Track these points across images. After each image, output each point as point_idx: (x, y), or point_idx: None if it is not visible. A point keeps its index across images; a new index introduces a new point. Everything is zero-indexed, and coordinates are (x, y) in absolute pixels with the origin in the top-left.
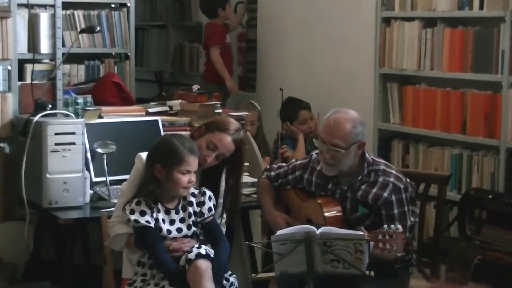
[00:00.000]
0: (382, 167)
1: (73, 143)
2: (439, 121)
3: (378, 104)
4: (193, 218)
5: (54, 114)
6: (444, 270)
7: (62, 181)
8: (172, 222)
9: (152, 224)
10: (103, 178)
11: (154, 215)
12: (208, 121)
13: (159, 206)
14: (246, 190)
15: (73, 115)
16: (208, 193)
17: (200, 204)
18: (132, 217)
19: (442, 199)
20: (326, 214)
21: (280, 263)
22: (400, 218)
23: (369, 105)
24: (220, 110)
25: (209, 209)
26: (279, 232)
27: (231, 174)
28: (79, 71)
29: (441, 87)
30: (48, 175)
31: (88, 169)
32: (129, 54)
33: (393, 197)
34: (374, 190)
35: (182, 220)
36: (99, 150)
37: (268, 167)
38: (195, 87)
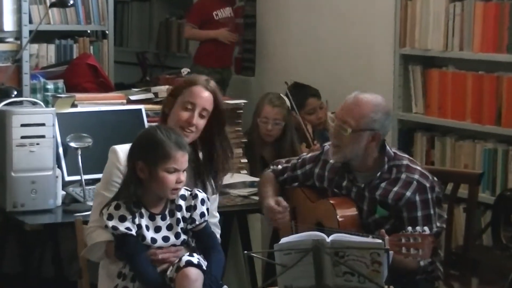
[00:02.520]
0: (405, 162)
1: (42, 136)
2: (470, 110)
3: (398, 91)
4: (182, 224)
5: (20, 102)
6: (475, 284)
7: (30, 180)
8: (157, 229)
9: (133, 232)
10: (77, 177)
11: (136, 220)
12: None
13: (143, 210)
14: (244, 191)
15: (42, 103)
16: (201, 195)
17: (191, 208)
18: (110, 223)
19: (473, 202)
20: (339, 216)
21: (284, 276)
22: (424, 221)
23: (387, 92)
24: None
25: (202, 215)
26: (283, 240)
27: (217, 134)
28: (48, 52)
29: (472, 71)
30: (13, 174)
31: (59, 167)
32: (107, 32)
33: (417, 197)
34: (395, 189)
35: (169, 227)
36: (72, 144)
37: (276, 161)
38: (185, 71)
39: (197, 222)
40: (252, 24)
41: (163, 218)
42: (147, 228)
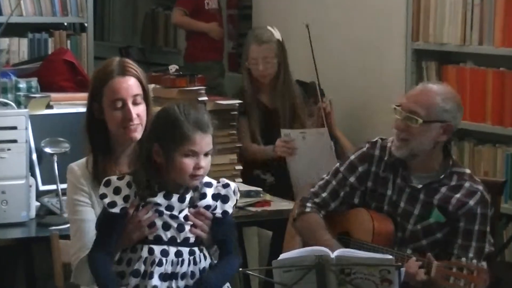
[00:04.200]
0: (468, 171)
1: (14, 141)
2: (490, 111)
3: (410, 89)
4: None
5: None
6: None
7: (0, 190)
8: (169, 208)
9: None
10: (53, 186)
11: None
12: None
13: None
14: (239, 201)
15: (13, 104)
16: (233, 186)
17: (219, 198)
18: (107, 200)
19: (495, 213)
20: (376, 228)
21: None
22: (478, 238)
23: (399, 90)
24: (205, 98)
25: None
26: (282, 256)
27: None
28: (21, 47)
29: (493, 67)
30: None
31: (33, 175)
32: (85, 24)
33: (479, 210)
34: (458, 195)
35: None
36: (47, 150)
37: (303, 197)
38: (173, 68)
39: (218, 215)
40: (248, 16)
41: (180, 200)
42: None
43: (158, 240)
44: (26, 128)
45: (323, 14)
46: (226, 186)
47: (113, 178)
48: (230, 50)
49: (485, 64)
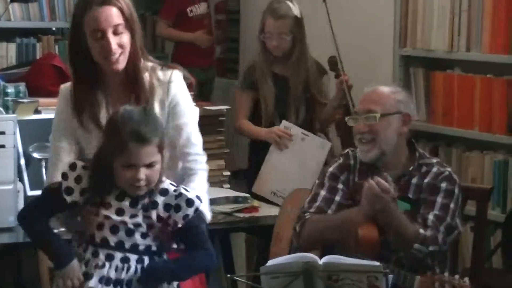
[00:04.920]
0: (435, 160)
1: (2, 146)
2: (478, 117)
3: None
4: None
5: None
6: None
7: None
8: (119, 212)
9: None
10: (41, 191)
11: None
12: None
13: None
14: (227, 207)
15: (1, 109)
16: (188, 196)
17: (171, 208)
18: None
19: (482, 220)
20: (361, 234)
21: None
22: (441, 208)
23: None
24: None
25: (185, 217)
26: (270, 262)
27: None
28: (8, 52)
29: (481, 74)
30: None
31: (21, 180)
32: None
33: (443, 184)
34: (427, 180)
35: (132, 216)
36: (35, 155)
37: (297, 216)
38: None
39: (179, 225)
40: (236, 21)
41: (132, 204)
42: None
43: (105, 243)
44: (14, 133)
45: (311, 20)
46: (178, 196)
47: (79, 164)
48: (218, 56)
49: (473, 71)
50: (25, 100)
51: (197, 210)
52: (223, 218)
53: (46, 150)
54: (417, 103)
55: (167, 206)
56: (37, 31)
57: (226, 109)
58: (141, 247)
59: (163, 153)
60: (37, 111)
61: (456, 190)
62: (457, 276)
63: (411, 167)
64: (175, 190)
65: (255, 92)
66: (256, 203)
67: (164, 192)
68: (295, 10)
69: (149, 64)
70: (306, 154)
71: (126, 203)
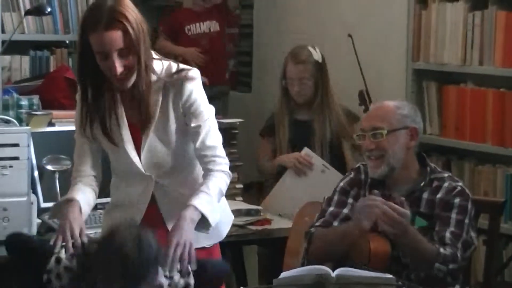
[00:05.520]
0: (446, 175)
1: (16, 158)
2: (491, 131)
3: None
4: None
5: None
6: None
7: (1, 207)
8: None
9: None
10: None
11: None
12: None
13: None
14: (240, 220)
15: (15, 121)
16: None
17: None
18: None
19: (494, 233)
20: (372, 247)
21: None
22: (456, 225)
23: None
24: None
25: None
26: (283, 275)
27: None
28: (22, 64)
29: (493, 87)
30: None
31: (35, 192)
32: None
33: (456, 200)
34: (439, 196)
35: None
36: (49, 167)
37: (305, 232)
38: None
39: None
40: (249, 35)
41: None
42: None
43: None
44: (28, 145)
45: (323, 34)
46: (184, 275)
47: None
48: (231, 69)
49: (486, 85)
50: (38, 113)
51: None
52: (235, 230)
53: (59, 162)
54: (430, 117)
55: None
56: (51, 44)
57: (239, 122)
58: None
59: None
60: (50, 124)
61: (469, 205)
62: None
63: (422, 183)
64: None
65: (274, 137)
66: (268, 215)
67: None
68: (316, 55)
69: (165, 63)
70: (323, 186)
71: None
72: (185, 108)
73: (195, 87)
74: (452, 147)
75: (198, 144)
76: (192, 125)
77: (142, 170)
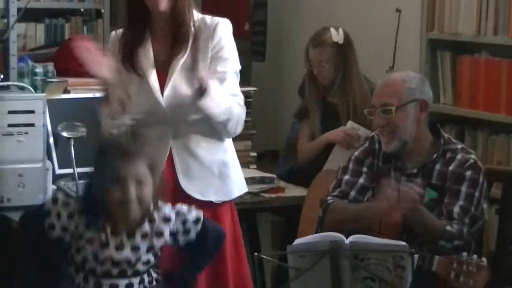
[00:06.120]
0: (460, 146)
1: (32, 125)
2: (505, 101)
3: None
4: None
5: (7, 87)
6: None
7: (17, 173)
8: (119, 247)
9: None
10: (69, 170)
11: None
12: None
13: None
14: (254, 188)
15: (31, 88)
16: (193, 215)
17: (178, 234)
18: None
19: (507, 202)
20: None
21: (297, 281)
22: (465, 199)
23: None
24: None
25: (197, 234)
26: (297, 241)
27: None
28: (37, 32)
29: (508, 58)
30: None
31: (50, 158)
32: (102, 11)
33: (468, 173)
34: (451, 168)
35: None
36: (64, 134)
37: (320, 200)
38: None
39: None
40: (263, 3)
41: (130, 235)
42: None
43: (107, 274)
44: (44, 112)
45: (338, 2)
46: (184, 222)
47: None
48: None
49: (500, 55)
50: (54, 80)
51: (203, 222)
52: (249, 198)
53: (75, 129)
54: (444, 87)
55: (172, 233)
56: (66, 11)
57: (253, 90)
58: (142, 268)
59: (155, 177)
60: (66, 91)
61: (481, 178)
62: (475, 256)
63: (435, 154)
64: (177, 214)
65: (309, 119)
66: (282, 183)
67: (167, 219)
68: (337, 37)
69: (200, 14)
70: None
71: (123, 237)
72: (214, 52)
73: (226, 34)
74: (466, 117)
75: None
76: (218, 69)
77: (163, 104)
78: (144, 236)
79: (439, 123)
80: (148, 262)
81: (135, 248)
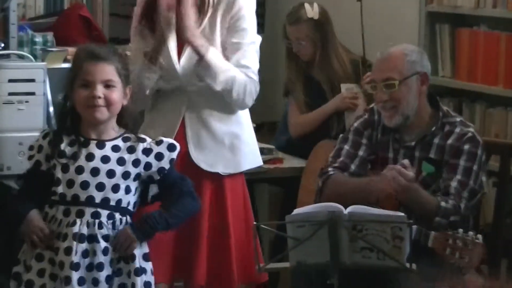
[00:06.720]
0: (459, 119)
1: (32, 93)
2: (503, 74)
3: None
4: (140, 170)
5: (7, 56)
6: (505, 265)
7: (17, 141)
8: (90, 157)
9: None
10: None
11: (64, 147)
12: None
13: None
14: None
15: (31, 56)
16: (169, 141)
17: (150, 153)
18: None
19: (505, 175)
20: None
21: (296, 250)
22: (464, 173)
23: None
24: None
25: (171, 161)
26: (296, 211)
27: None
28: (37, 1)
29: (507, 31)
30: None
31: (50, 127)
32: None
33: (466, 147)
34: (449, 142)
35: (120, 162)
36: None
37: (320, 170)
38: None
39: (166, 172)
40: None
41: (114, 149)
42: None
43: (76, 200)
44: (44, 81)
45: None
46: (159, 143)
47: (40, 135)
48: None
49: (499, 28)
50: (54, 49)
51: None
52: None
53: None
54: (442, 60)
55: (145, 151)
56: None
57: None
58: (112, 202)
59: (126, 89)
60: (66, 60)
61: (479, 151)
62: (471, 233)
63: (434, 127)
64: (156, 143)
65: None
66: (280, 154)
67: (142, 139)
68: (312, 12)
69: None
70: None
71: (92, 146)
72: (231, 22)
73: (246, 5)
74: (464, 89)
75: (232, 60)
76: (233, 40)
77: (179, 72)
78: (115, 148)
79: (438, 96)
80: (118, 188)
81: (106, 160)
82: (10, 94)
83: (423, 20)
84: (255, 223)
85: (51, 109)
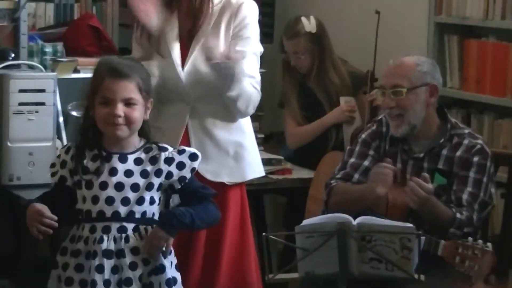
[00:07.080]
0: (467, 131)
1: (42, 104)
2: (511, 85)
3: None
4: (162, 180)
5: (17, 66)
6: None
7: (27, 151)
8: (113, 171)
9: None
10: None
11: (87, 162)
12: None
13: (102, 152)
14: None
15: (41, 67)
16: (191, 151)
17: (172, 162)
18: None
19: None
20: (390, 199)
21: (305, 261)
22: (474, 185)
23: None
24: None
25: (192, 170)
26: (305, 222)
27: None
28: (47, 11)
29: None
30: (9, 144)
31: (60, 137)
32: None
33: (475, 159)
34: (458, 154)
35: (143, 174)
36: (74, 113)
37: (326, 183)
38: None
39: (187, 180)
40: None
41: (137, 162)
42: (98, 171)
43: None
44: (54, 91)
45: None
46: (181, 152)
47: (62, 151)
48: None
49: (507, 39)
50: (64, 59)
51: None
52: (256, 179)
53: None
54: (451, 70)
55: (167, 160)
56: None
57: (261, 72)
58: (138, 215)
59: (148, 103)
60: (75, 70)
61: (488, 163)
62: (480, 241)
63: (442, 139)
64: (178, 152)
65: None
66: (289, 165)
67: (163, 148)
68: (309, 26)
69: None
70: None
71: (114, 159)
72: (236, 30)
73: (250, 14)
74: (472, 100)
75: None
76: (237, 48)
77: (183, 80)
78: (138, 161)
79: (446, 107)
80: (143, 200)
81: (129, 174)
82: (20, 104)
83: (431, 31)
84: (264, 234)
85: (61, 119)
